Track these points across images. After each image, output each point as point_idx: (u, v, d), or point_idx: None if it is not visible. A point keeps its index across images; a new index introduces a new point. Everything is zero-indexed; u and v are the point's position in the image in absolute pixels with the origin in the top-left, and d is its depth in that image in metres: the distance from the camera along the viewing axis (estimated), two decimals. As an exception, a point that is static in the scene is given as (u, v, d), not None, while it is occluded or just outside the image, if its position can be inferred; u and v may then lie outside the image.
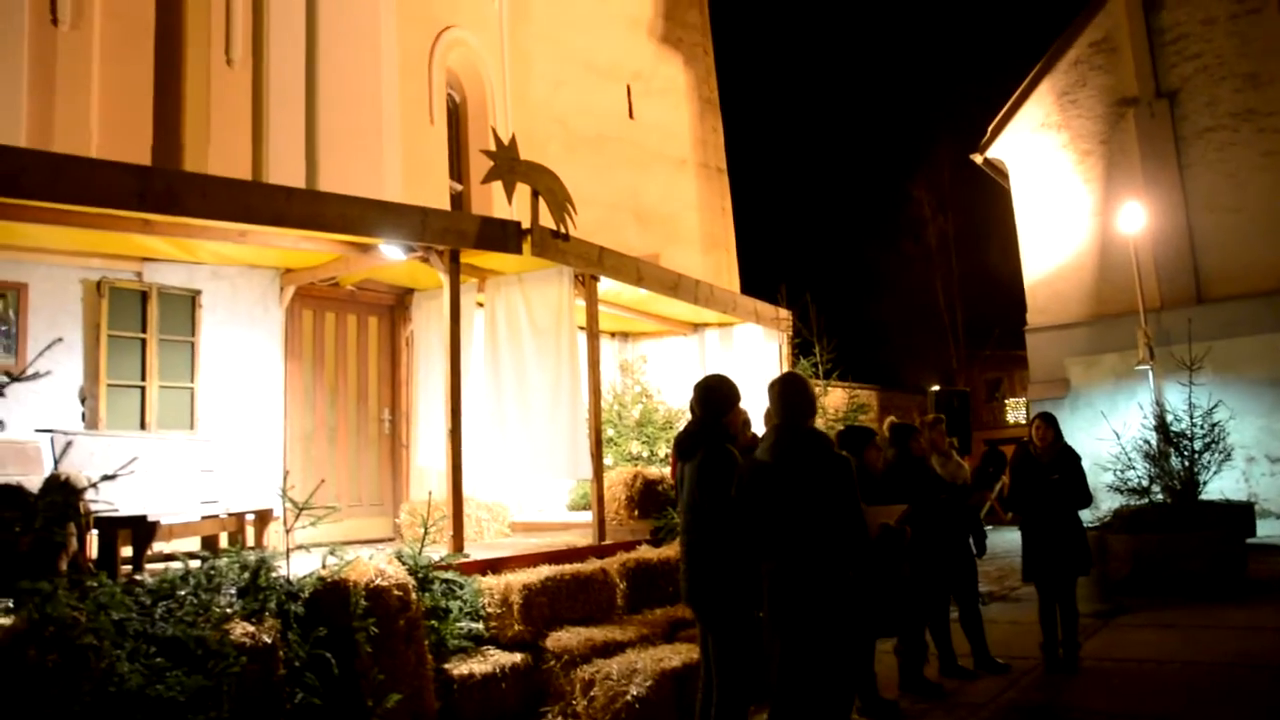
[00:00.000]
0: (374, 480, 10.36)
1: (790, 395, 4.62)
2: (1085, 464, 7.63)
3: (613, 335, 12.79)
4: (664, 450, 11.33)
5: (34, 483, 7.12)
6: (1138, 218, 15.63)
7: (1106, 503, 11.46)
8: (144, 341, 8.61)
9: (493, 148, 8.53)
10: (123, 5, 11.58)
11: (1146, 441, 11.26)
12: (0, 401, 4.64)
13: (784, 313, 12.12)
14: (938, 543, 7.08)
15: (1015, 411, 30.05)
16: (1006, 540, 13.13)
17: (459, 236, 8.10)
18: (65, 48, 10.82)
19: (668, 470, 10.93)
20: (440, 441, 9.02)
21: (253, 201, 7.30)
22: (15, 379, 5.21)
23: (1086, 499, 7.43)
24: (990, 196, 23.48)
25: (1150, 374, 14.53)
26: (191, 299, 8.90)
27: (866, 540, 4.47)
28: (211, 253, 8.70)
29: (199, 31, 11.92)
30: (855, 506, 4.39)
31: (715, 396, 5.06)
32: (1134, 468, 11.18)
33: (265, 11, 12.17)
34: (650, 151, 18.46)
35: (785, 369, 11.83)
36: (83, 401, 8.38)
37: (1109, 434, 11.46)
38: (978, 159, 20.27)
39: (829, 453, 4.46)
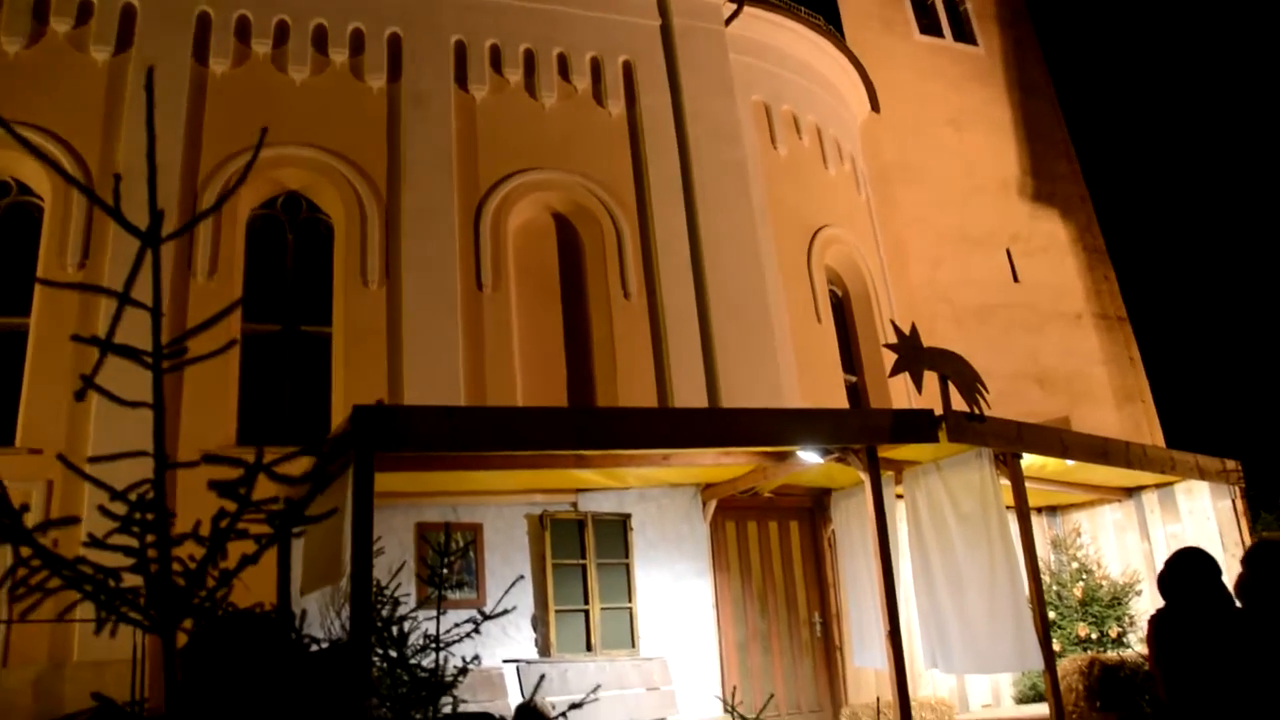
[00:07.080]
0: (810, 685, 10.16)
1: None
2: None
3: (1039, 510, 12.05)
4: (1115, 630, 10.33)
5: (499, 707, 7.63)
6: None
7: None
8: (584, 567, 9.17)
9: (891, 340, 8.53)
10: (532, 262, 12.99)
11: None
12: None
13: (1230, 463, 10.86)
14: None
15: None
16: None
17: (874, 433, 8.06)
18: (489, 308, 12.20)
19: (1127, 653, 9.93)
20: (875, 641, 8.77)
21: (676, 427, 7.72)
22: (488, 617, 5.72)
23: None
24: None
25: None
26: (623, 523, 9.40)
27: None
28: (637, 477, 9.19)
29: (597, 272, 13.11)
30: None
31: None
32: None
33: (653, 244, 13.18)
34: (1041, 312, 17.80)
35: (1243, 526, 10.56)
36: (535, 628, 8.96)
37: None
38: None
39: None
